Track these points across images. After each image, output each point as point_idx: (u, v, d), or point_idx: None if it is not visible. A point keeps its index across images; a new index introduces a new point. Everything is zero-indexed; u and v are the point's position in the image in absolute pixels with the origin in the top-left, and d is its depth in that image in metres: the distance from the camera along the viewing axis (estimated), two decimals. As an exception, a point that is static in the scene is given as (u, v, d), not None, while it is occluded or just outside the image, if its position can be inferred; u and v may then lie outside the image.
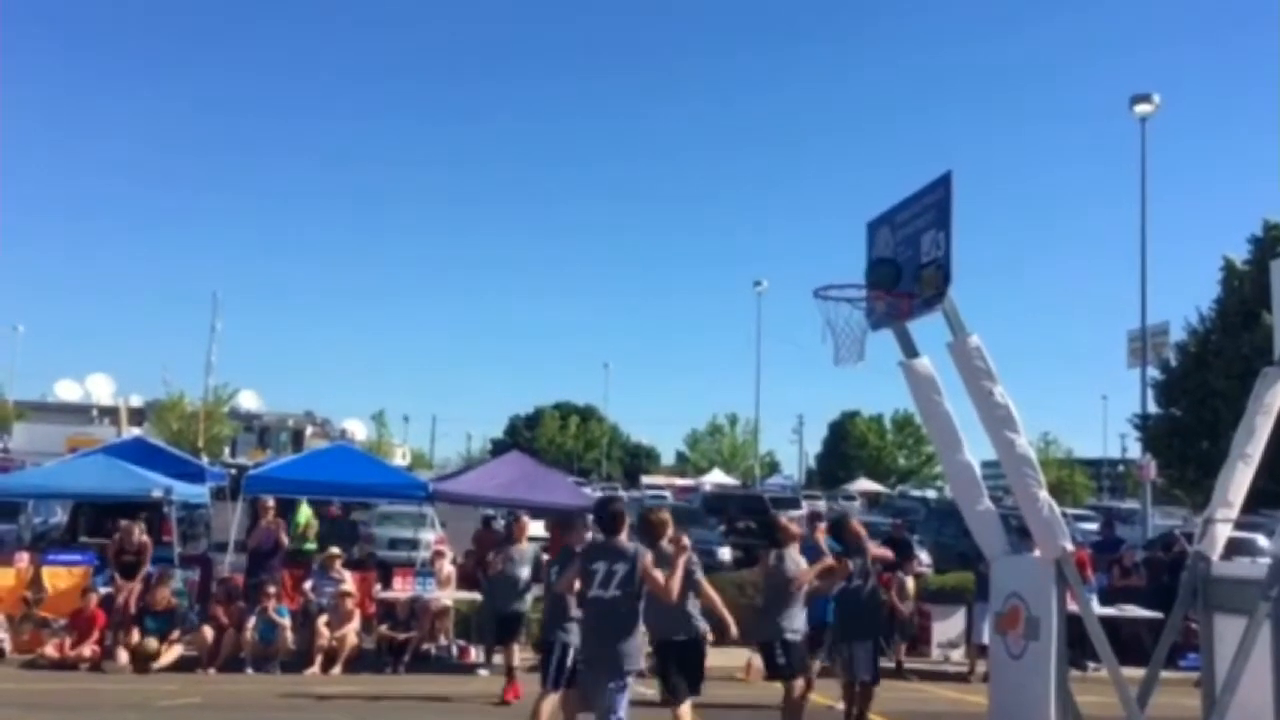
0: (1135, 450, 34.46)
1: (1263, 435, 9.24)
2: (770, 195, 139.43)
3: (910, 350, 9.34)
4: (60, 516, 20.81)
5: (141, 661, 12.53)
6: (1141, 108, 27.74)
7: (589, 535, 8.39)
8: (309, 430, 69.73)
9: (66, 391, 67.02)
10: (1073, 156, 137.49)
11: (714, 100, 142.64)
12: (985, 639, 12.01)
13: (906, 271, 9.18)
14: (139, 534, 14.94)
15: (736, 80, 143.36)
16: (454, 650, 14.51)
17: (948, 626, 15.70)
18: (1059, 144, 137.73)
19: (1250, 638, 8.25)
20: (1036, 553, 8.63)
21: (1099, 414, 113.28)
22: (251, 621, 13.06)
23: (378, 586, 15.14)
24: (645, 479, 69.30)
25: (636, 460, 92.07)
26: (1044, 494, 8.52)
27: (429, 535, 19.82)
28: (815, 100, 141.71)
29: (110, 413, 58.38)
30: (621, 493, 49.51)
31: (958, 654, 15.32)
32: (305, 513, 17.25)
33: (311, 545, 16.76)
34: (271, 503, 15.63)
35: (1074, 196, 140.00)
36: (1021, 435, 8.62)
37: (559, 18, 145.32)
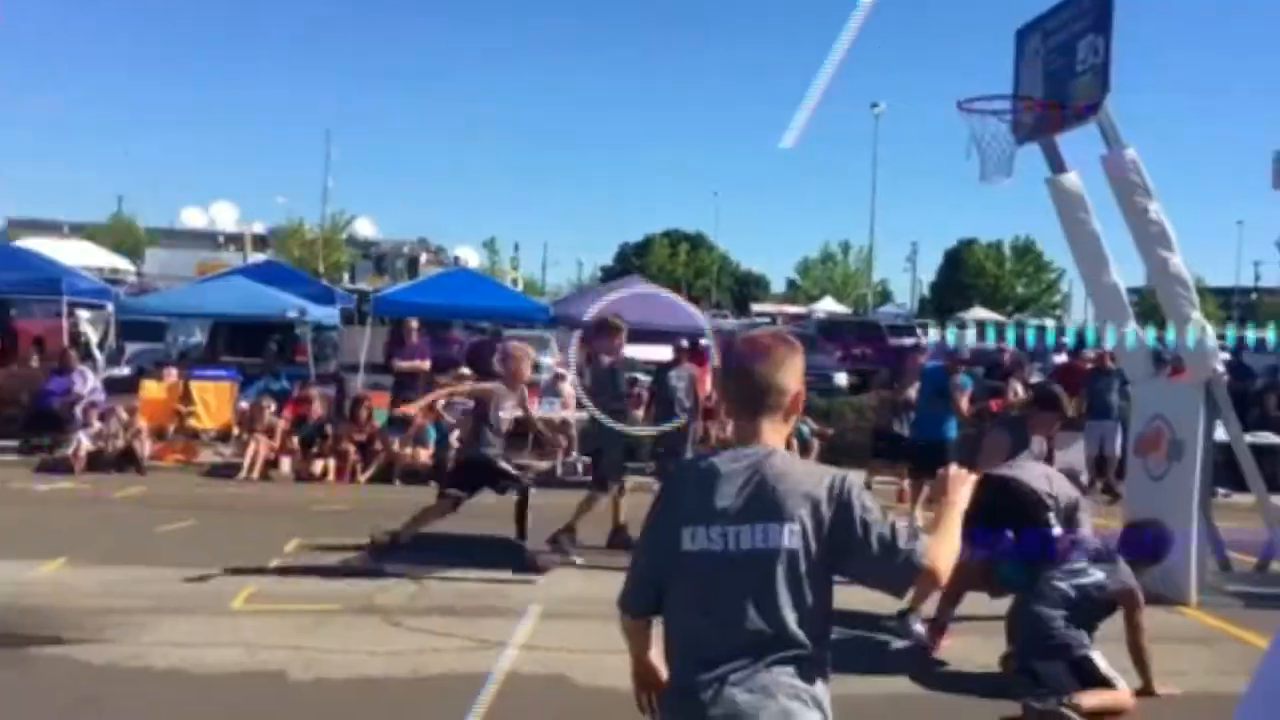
0: (1270, 279, 32.96)
1: None
2: (888, 13, 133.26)
3: (1059, 165, 8.97)
4: (199, 337, 21.63)
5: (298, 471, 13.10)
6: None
7: None
8: (424, 257, 71.08)
9: (192, 219, 68.89)
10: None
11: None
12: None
13: (1060, 80, 8.74)
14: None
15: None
16: (579, 466, 14.92)
17: (1066, 455, 15.52)
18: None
19: None
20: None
21: (1232, 242, 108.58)
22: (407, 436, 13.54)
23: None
24: (755, 306, 69.09)
25: (746, 288, 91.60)
26: (1197, 314, 8.25)
27: (549, 359, 20.36)
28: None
29: (235, 239, 59.97)
30: (730, 319, 49.47)
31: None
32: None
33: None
34: (416, 324, 16.00)
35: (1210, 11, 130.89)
36: (1176, 254, 8.29)
37: None
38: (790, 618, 2.41)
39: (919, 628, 6.70)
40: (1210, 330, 8.37)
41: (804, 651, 2.42)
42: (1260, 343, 31.39)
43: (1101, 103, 8.21)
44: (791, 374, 2.63)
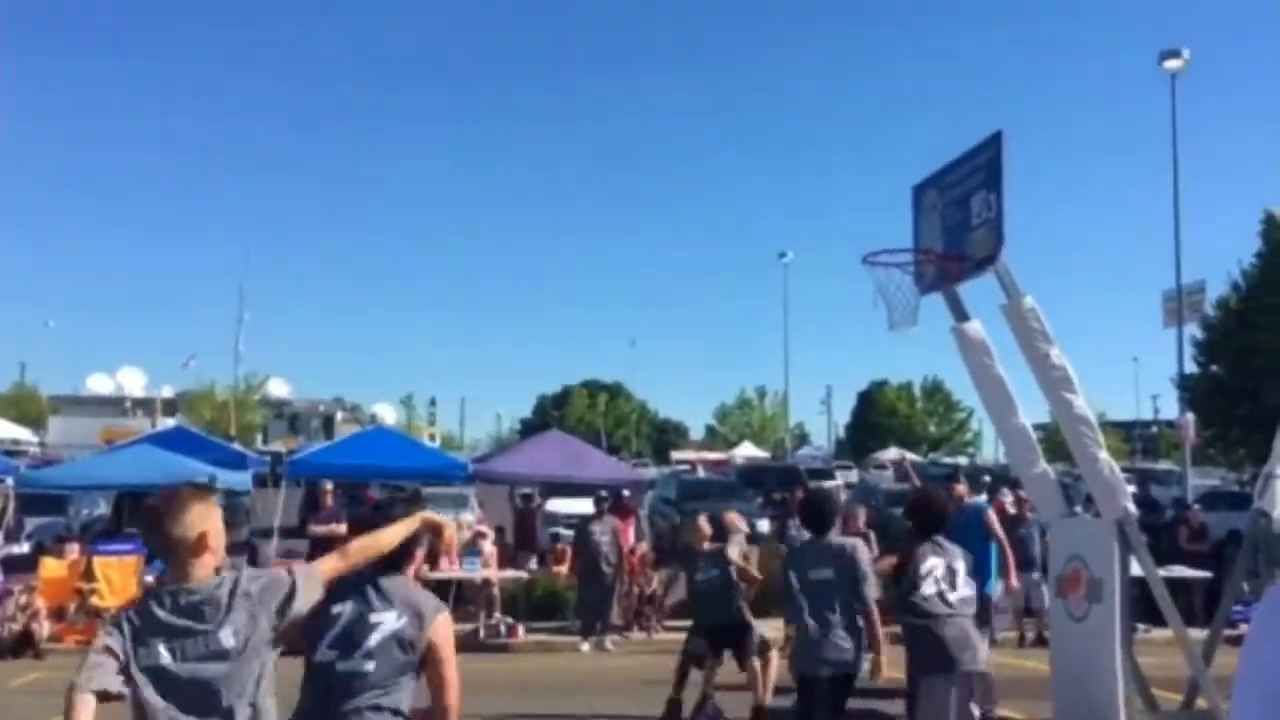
0: (1168, 411, 34.13)
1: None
2: (795, 169, 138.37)
3: (961, 314, 9.24)
4: (103, 508, 20.98)
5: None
6: (1171, 63, 27.36)
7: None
8: (339, 415, 70.29)
9: (98, 385, 67.47)
10: (1101, 114, 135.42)
11: (731, 69, 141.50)
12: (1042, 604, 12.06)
13: (957, 233, 9.09)
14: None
15: (758, 47, 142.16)
16: (502, 629, 14.60)
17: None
18: (1086, 103, 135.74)
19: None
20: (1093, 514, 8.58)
21: (1129, 376, 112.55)
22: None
23: (425, 567, 15.23)
24: (675, 454, 69.33)
25: (665, 436, 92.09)
26: (1103, 454, 8.43)
27: (468, 516, 20.14)
28: (828, 84, 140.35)
29: (144, 404, 58.79)
30: (651, 468, 49.56)
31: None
32: None
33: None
34: (331, 486, 15.76)
35: (1101, 157, 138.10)
36: (1079, 396, 8.52)
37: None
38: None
39: None
40: (1118, 469, 8.58)
41: None
42: (1166, 475, 32.34)
43: (997, 255, 8.54)
44: (200, 519, 3.31)
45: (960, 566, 6.60)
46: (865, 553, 6.83)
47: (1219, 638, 9.29)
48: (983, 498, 13.76)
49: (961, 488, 12.20)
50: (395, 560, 3.81)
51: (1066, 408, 8.51)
